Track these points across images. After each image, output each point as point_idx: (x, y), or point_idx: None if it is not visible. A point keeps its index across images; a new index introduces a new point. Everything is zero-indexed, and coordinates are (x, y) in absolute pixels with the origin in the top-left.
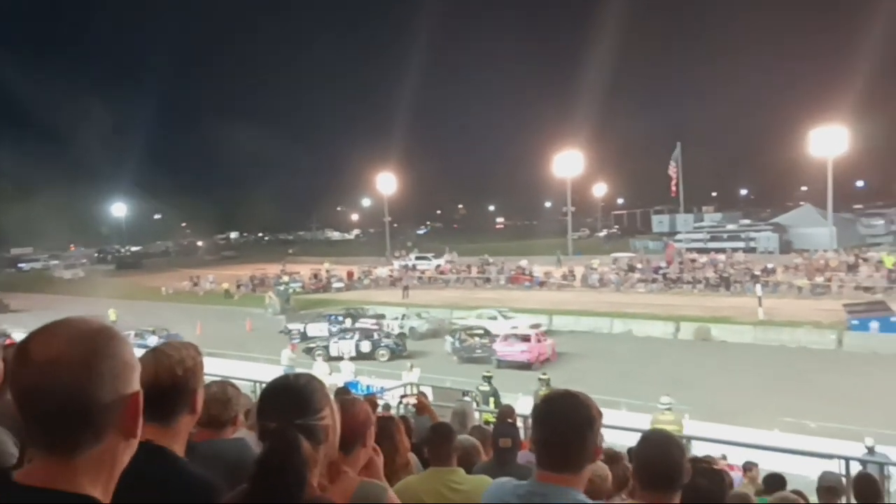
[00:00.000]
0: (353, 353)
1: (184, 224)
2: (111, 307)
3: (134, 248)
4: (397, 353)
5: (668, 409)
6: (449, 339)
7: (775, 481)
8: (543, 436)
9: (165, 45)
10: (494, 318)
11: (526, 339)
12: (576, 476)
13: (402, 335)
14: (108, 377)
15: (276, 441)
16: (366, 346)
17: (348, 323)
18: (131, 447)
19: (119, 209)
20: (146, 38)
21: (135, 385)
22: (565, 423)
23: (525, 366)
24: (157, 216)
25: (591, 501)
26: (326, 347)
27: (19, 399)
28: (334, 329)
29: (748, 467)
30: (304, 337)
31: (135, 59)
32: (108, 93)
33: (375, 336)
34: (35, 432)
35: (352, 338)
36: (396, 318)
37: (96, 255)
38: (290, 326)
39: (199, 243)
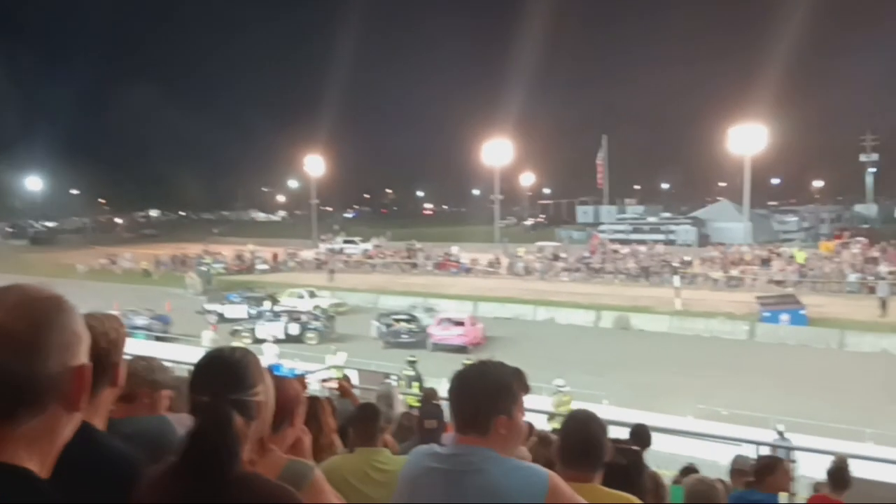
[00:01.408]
0: (282, 336)
1: (102, 200)
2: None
3: (49, 224)
4: (326, 336)
5: (562, 391)
6: (375, 323)
7: (689, 469)
8: (456, 402)
9: (83, 14)
10: (301, 296)
11: (460, 323)
12: (490, 439)
13: (331, 317)
14: (54, 349)
15: (207, 415)
16: (294, 329)
17: (267, 305)
18: (74, 420)
19: (34, 183)
20: (62, 5)
21: (82, 357)
22: (474, 389)
23: (461, 349)
24: (73, 191)
25: (507, 458)
26: (253, 330)
27: None
28: (253, 311)
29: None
30: (221, 318)
31: (51, 28)
32: (20, 62)
33: (304, 318)
34: None
35: (279, 320)
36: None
37: (9, 229)
38: (208, 307)
39: (118, 220)
